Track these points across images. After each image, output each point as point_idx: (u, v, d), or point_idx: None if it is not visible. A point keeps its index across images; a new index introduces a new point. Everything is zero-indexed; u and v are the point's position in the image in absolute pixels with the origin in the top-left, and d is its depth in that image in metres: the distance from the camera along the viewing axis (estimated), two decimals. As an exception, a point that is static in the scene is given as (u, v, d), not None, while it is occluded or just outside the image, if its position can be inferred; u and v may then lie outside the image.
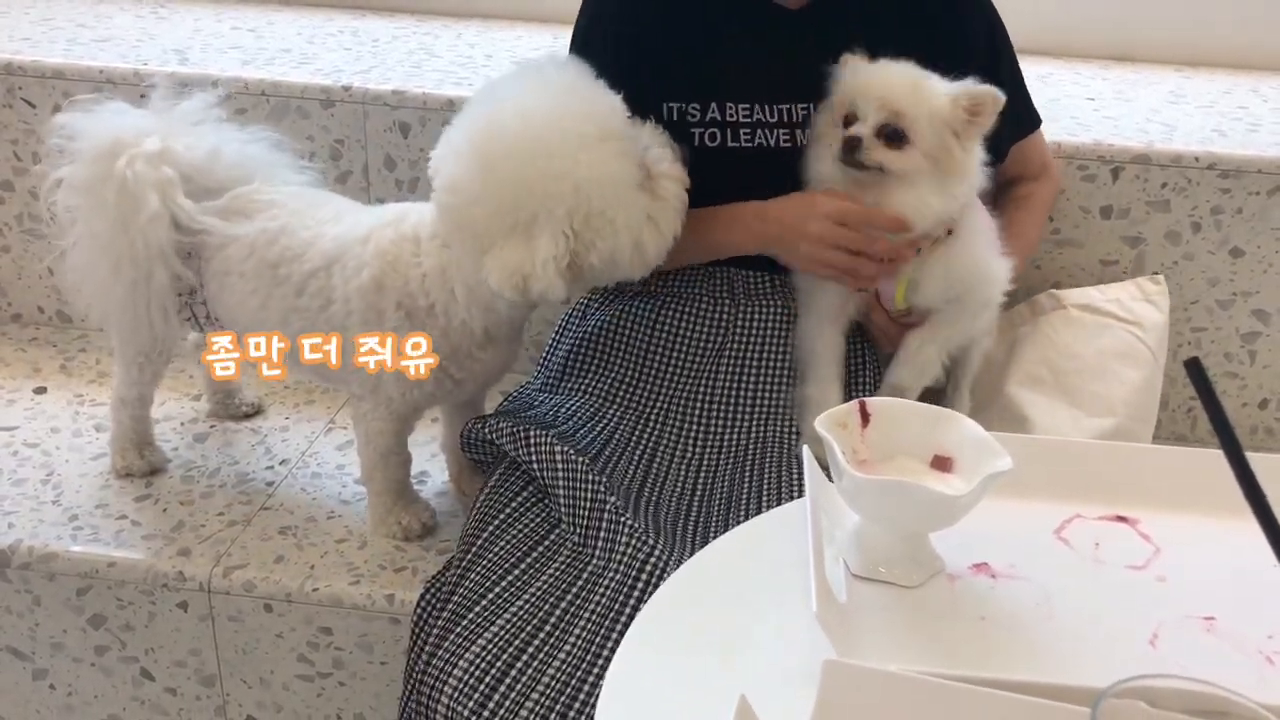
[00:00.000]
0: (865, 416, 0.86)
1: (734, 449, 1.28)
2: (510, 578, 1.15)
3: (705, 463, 1.27)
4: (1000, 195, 1.37)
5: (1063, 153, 1.56)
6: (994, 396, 1.50)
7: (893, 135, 1.18)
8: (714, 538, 0.96)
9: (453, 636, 1.10)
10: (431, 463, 1.56)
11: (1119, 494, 0.91)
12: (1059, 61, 1.91)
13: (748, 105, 1.31)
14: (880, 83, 1.20)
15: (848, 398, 1.29)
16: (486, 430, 1.29)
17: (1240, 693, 0.53)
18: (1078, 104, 1.73)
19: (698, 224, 1.26)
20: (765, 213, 1.28)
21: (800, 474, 1.20)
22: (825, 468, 0.85)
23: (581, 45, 1.36)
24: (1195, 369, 0.56)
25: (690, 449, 1.29)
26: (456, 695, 1.06)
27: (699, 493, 1.24)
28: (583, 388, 1.34)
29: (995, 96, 1.18)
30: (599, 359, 1.36)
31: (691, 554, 1.01)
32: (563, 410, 1.31)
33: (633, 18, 1.34)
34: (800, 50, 1.33)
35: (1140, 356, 1.50)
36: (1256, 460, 0.89)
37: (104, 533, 1.41)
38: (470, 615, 1.11)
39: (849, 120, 1.21)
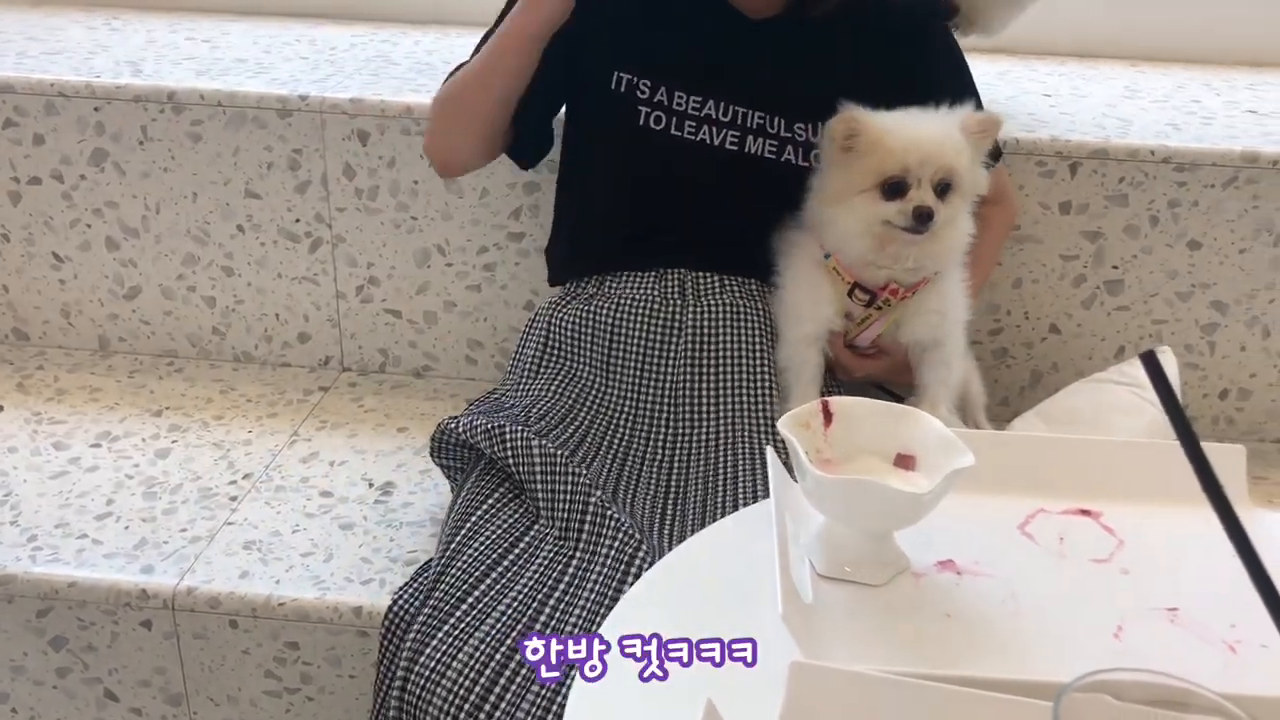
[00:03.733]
0: (828, 416, 0.86)
1: (703, 450, 1.28)
2: (493, 576, 1.14)
3: (676, 465, 1.27)
4: None
5: (1021, 149, 1.57)
6: None
7: (944, 189, 1.22)
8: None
9: (439, 638, 1.08)
10: (398, 473, 1.55)
11: (1082, 487, 0.91)
12: (1015, 59, 1.93)
13: (699, 99, 1.33)
14: (930, 142, 1.21)
15: None
16: (460, 429, 1.29)
17: (1199, 682, 0.53)
18: (1035, 100, 1.74)
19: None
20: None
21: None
22: (791, 468, 0.85)
23: None
24: (1150, 362, 0.56)
25: (660, 451, 1.28)
26: (450, 699, 1.04)
27: (672, 495, 1.23)
28: (553, 390, 1.33)
29: (997, 121, 1.24)
30: (566, 360, 1.36)
31: None
32: (534, 411, 1.30)
33: None
34: (762, 60, 1.34)
35: (1141, 410, 1.46)
36: (1216, 450, 0.90)
37: (64, 552, 1.39)
38: (455, 616, 1.10)
39: (893, 183, 1.21)
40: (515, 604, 1.11)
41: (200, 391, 1.75)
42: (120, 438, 1.61)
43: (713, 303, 1.34)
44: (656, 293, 1.35)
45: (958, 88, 1.42)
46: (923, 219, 1.20)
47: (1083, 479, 0.91)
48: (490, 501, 1.23)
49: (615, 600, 1.07)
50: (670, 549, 1.11)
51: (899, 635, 0.78)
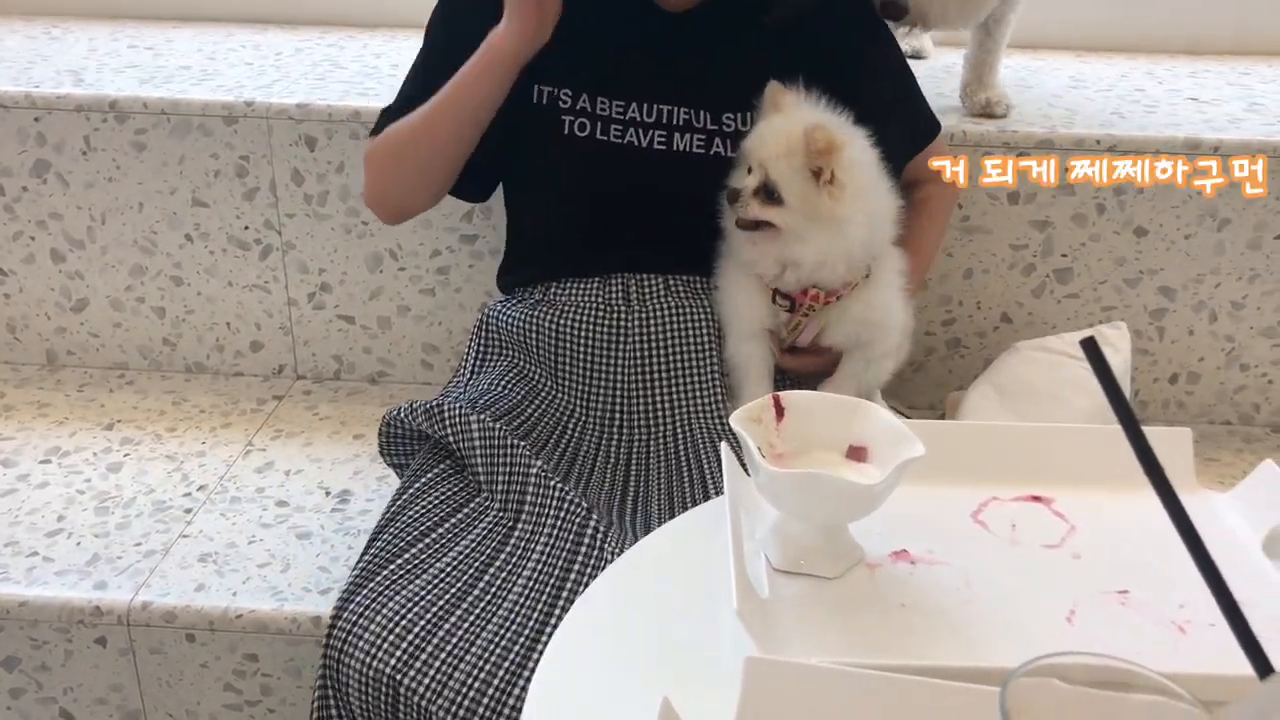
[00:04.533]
0: (780, 410, 0.86)
1: (662, 452, 1.27)
2: (427, 541, 1.14)
3: (635, 469, 1.27)
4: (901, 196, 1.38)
5: (969, 141, 1.59)
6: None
7: (769, 193, 1.20)
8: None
9: (362, 595, 1.08)
10: (354, 481, 1.54)
11: (1033, 474, 0.92)
12: (962, 51, 1.94)
13: (622, 102, 1.32)
14: (758, 140, 1.21)
15: None
16: (402, 415, 1.30)
17: (1145, 663, 0.54)
18: (982, 92, 1.75)
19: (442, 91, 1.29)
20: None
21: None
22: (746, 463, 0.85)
23: (449, 11, 1.36)
24: (1090, 348, 0.57)
25: (615, 455, 1.28)
26: (375, 650, 1.03)
27: (632, 498, 1.24)
28: (501, 384, 1.33)
29: (826, 131, 1.16)
30: (513, 359, 1.36)
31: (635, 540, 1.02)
32: (480, 401, 1.30)
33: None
34: (681, 54, 1.33)
35: (1093, 388, 1.49)
36: (1163, 433, 0.91)
37: (14, 571, 1.36)
38: (384, 572, 1.10)
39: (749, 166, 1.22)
40: (449, 568, 1.10)
41: (152, 403, 1.72)
42: (70, 453, 1.59)
43: (657, 306, 1.33)
44: (600, 299, 1.34)
45: (889, 76, 1.41)
46: (730, 199, 1.22)
47: (1034, 466, 0.92)
48: (430, 475, 1.23)
49: (568, 569, 1.07)
50: (635, 537, 1.11)
51: (855, 627, 0.78)
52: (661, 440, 1.29)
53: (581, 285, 1.36)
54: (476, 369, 1.38)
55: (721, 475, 1.20)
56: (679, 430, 1.29)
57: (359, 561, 1.13)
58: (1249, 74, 1.86)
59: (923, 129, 1.45)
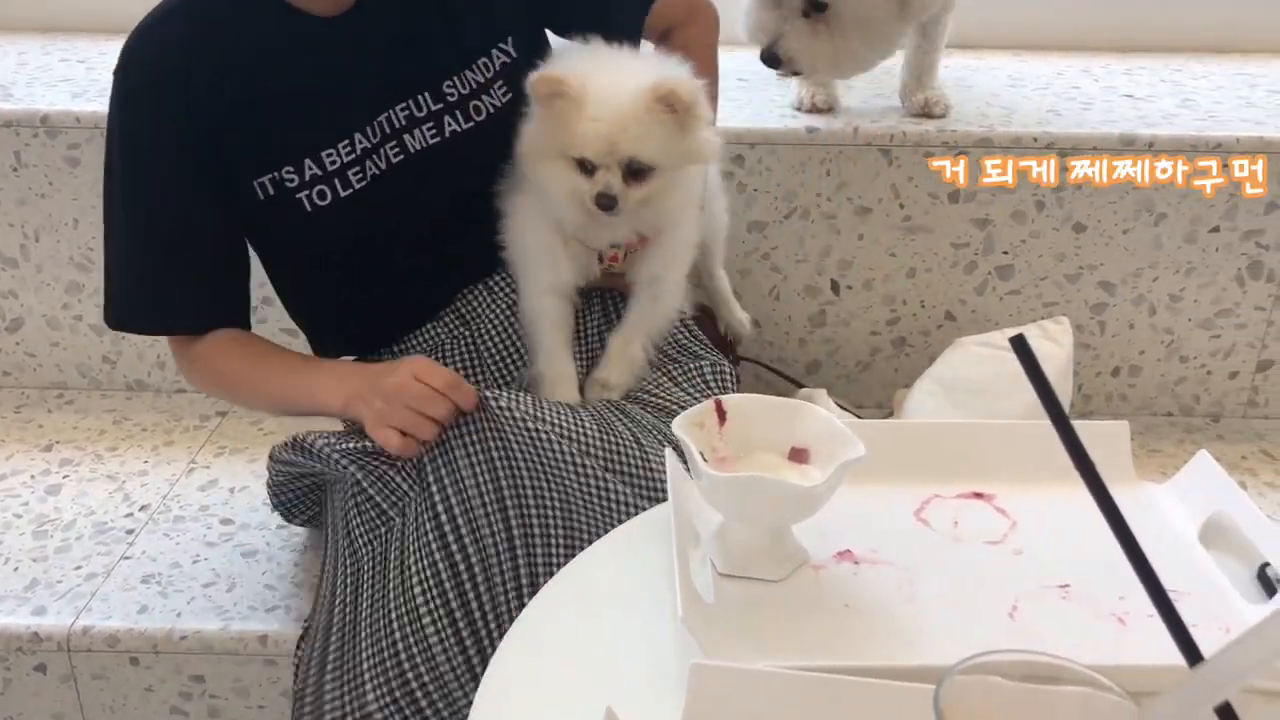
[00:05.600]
0: (722, 414, 0.86)
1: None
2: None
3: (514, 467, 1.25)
4: (657, 49, 1.34)
5: (909, 141, 1.60)
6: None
7: (638, 171, 1.16)
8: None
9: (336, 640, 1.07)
10: (301, 495, 1.52)
11: (974, 471, 0.92)
12: (901, 53, 1.95)
13: (346, 142, 1.20)
14: (611, 129, 1.13)
15: (580, 368, 1.27)
16: (318, 445, 1.16)
17: (1088, 656, 0.54)
18: (921, 93, 1.77)
19: (291, 368, 1.22)
20: (351, 369, 1.20)
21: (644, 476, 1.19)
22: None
23: (141, 166, 1.21)
24: (1020, 345, 0.57)
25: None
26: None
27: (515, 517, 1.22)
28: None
29: (682, 88, 1.11)
30: None
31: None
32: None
33: (179, 117, 1.18)
34: (364, 56, 1.21)
35: None
36: (1101, 427, 0.92)
37: (-50, 599, 1.34)
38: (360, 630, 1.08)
39: (581, 162, 1.16)
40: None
41: (92, 423, 1.69)
42: (7, 476, 1.56)
43: (491, 309, 1.29)
44: (446, 336, 1.30)
45: None
46: (606, 207, 1.16)
47: (975, 463, 0.93)
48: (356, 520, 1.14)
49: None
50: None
51: (800, 629, 0.78)
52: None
53: (420, 335, 1.31)
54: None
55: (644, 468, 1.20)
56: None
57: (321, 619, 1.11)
58: (1181, 70, 1.89)
59: None
